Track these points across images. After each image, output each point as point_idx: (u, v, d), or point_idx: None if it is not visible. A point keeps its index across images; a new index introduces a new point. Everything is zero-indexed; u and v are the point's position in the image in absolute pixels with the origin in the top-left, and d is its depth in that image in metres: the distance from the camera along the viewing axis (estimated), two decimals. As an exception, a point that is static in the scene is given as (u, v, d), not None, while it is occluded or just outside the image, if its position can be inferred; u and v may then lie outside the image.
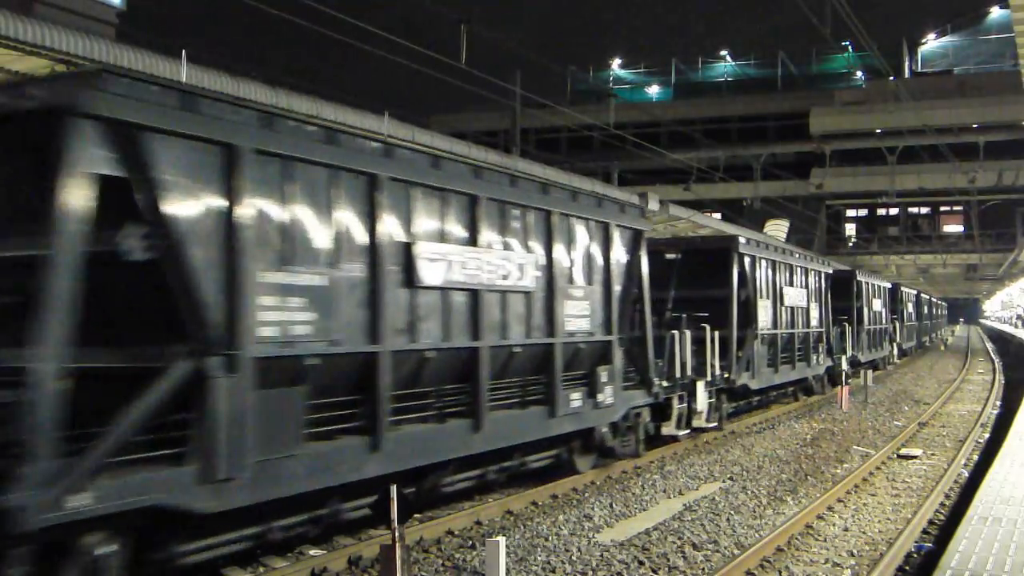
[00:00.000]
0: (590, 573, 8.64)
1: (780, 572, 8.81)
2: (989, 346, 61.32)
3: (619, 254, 13.28)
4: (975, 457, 15.58)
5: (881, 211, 71.16)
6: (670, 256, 18.45)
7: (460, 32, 21.37)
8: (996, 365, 40.49)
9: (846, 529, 10.51)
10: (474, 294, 10.03)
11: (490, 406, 10.27)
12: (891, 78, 58.54)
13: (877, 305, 34.05)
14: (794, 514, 10.80)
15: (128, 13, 38.13)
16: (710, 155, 60.62)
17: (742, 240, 19.31)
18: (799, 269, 22.91)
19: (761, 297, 19.73)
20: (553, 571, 8.69)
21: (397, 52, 19.19)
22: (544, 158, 36.07)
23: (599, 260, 12.79)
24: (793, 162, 68.07)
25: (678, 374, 15.15)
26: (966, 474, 13.94)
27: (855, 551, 9.59)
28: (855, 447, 16.55)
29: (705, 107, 73.52)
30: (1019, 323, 72.76)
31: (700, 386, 15.82)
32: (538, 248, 11.36)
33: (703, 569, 8.79)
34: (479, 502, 11.13)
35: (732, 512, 11.15)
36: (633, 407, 13.74)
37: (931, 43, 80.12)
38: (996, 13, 72.46)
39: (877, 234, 69.68)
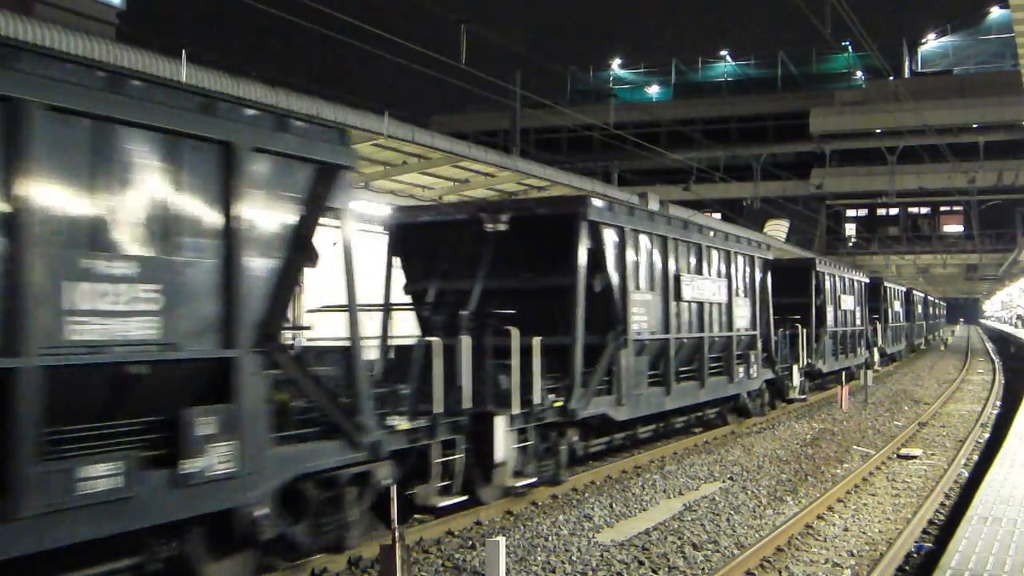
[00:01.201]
0: (590, 573, 8.64)
1: (780, 572, 8.81)
2: (989, 346, 61.34)
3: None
4: (975, 457, 15.58)
5: (881, 211, 71.24)
6: (490, 228, 12.33)
7: (460, 32, 21.38)
8: (996, 365, 40.49)
9: (846, 529, 10.51)
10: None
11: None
12: (891, 78, 58.52)
13: (848, 303, 29.37)
14: (794, 514, 10.80)
15: (128, 13, 38.09)
16: (710, 155, 60.69)
17: (596, 204, 12.77)
18: (715, 252, 17.01)
19: (633, 289, 13.64)
20: (553, 571, 8.69)
21: (397, 52, 19.24)
22: (544, 158, 36.09)
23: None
24: (793, 162, 68.13)
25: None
26: (966, 474, 13.94)
27: (855, 551, 9.59)
28: (855, 447, 16.55)
29: (705, 107, 73.56)
30: (1019, 323, 72.76)
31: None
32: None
33: (703, 569, 8.79)
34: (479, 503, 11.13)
35: (732, 512, 11.16)
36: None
37: (931, 43, 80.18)
38: (996, 13, 72.49)
39: (877, 234, 69.73)
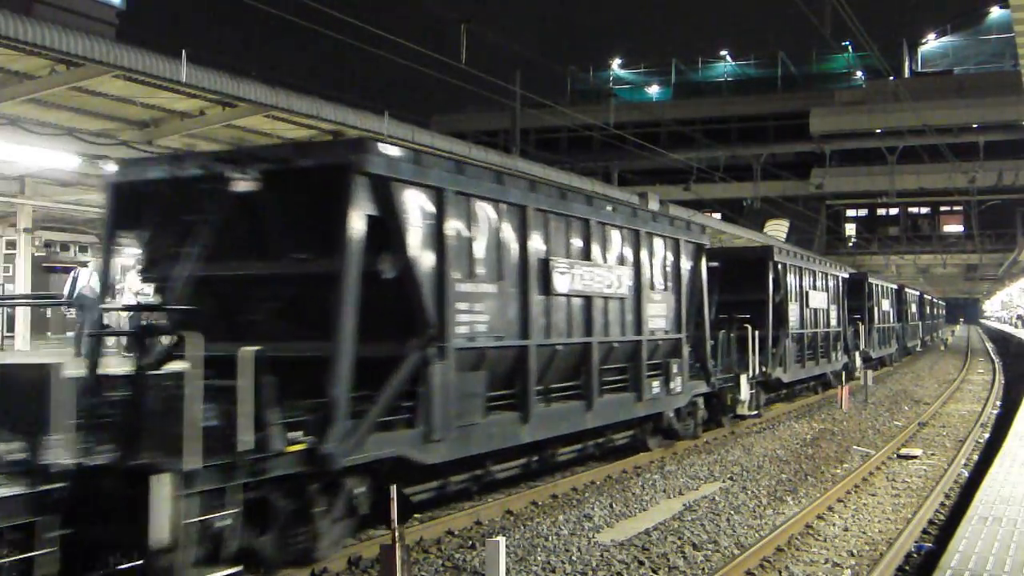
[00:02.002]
0: (590, 573, 8.64)
1: (780, 572, 8.81)
2: (989, 346, 61.33)
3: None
4: (975, 457, 15.58)
5: (881, 211, 71.25)
6: (230, 186, 8.81)
7: (460, 32, 21.39)
8: (996, 365, 40.48)
9: (846, 529, 10.50)
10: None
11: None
12: (891, 78, 58.61)
13: (819, 300, 24.87)
14: (794, 514, 10.79)
15: (128, 13, 38.15)
16: (710, 155, 60.67)
17: (384, 152, 8.92)
18: (614, 231, 13.16)
19: (461, 277, 9.84)
20: (553, 571, 8.68)
21: (397, 52, 19.24)
22: (544, 158, 36.09)
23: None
24: (793, 162, 68.12)
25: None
26: (966, 474, 13.94)
27: (855, 551, 9.59)
28: (855, 447, 16.55)
29: (705, 107, 73.55)
30: (1019, 323, 72.74)
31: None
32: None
33: (703, 569, 8.79)
34: (479, 502, 11.12)
35: (732, 512, 11.15)
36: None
37: (931, 43, 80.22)
38: (996, 13, 72.53)
39: (877, 234, 69.73)
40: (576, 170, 34.37)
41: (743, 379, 17.74)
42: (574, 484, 12.45)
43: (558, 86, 77.72)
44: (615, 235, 13.15)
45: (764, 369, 19.43)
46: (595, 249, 12.50)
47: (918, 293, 55.11)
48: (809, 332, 23.46)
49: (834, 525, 10.67)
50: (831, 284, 26.36)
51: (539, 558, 9.03)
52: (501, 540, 7.79)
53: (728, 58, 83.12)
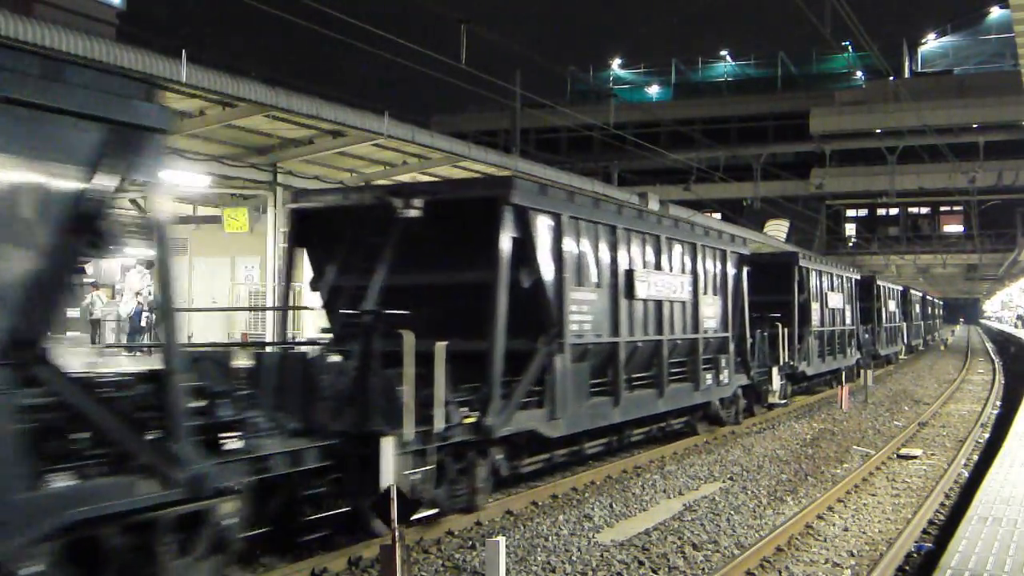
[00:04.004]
0: (590, 573, 8.64)
1: (780, 572, 8.81)
2: (989, 346, 61.33)
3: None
4: (975, 457, 15.58)
5: (881, 211, 71.21)
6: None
7: (460, 32, 21.38)
8: (996, 365, 40.49)
9: (846, 529, 10.51)
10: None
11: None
12: (891, 78, 58.54)
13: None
14: (794, 514, 10.79)
15: (128, 13, 38.12)
16: (710, 155, 60.66)
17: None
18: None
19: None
20: (553, 571, 8.69)
21: (397, 52, 19.23)
22: (544, 158, 36.09)
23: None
24: (793, 162, 68.11)
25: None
26: (966, 474, 13.94)
27: (855, 551, 9.59)
28: (855, 447, 16.55)
29: (705, 107, 73.49)
30: (1019, 323, 72.74)
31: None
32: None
33: (703, 569, 8.79)
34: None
35: (732, 512, 11.15)
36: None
37: (931, 43, 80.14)
38: (996, 13, 72.44)
39: (877, 234, 69.71)
40: (576, 170, 34.35)
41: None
42: (574, 484, 12.45)
43: (558, 86, 77.79)
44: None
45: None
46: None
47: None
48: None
49: (834, 525, 10.67)
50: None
51: (539, 558, 9.03)
52: (501, 540, 7.79)
53: (728, 58, 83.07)
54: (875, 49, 27.98)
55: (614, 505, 11.49)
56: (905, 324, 45.25)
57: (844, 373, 26.35)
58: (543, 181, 17.43)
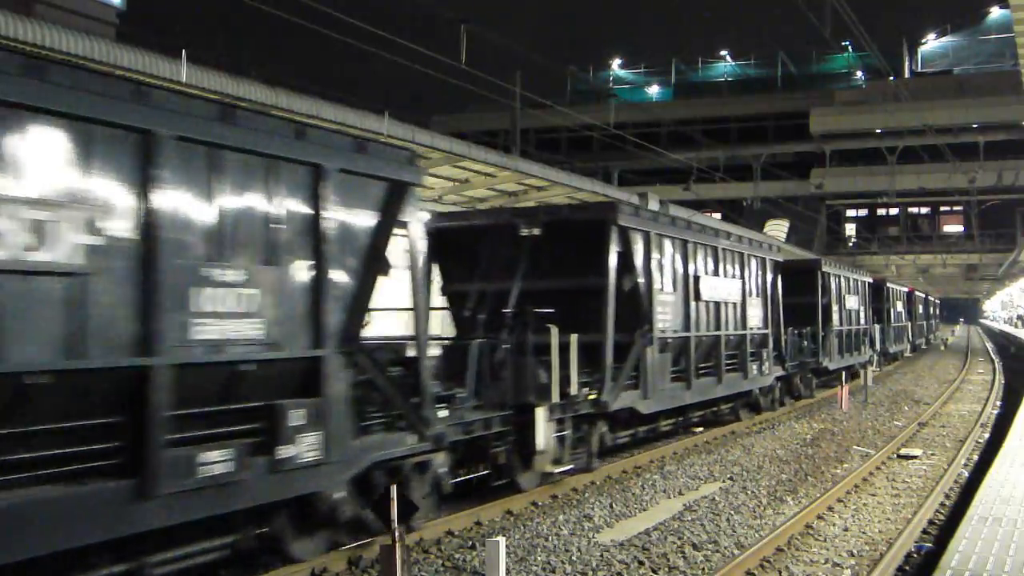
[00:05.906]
0: (590, 573, 8.64)
1: (780, 572, 8.81)
2: (989, 346, 61.32)
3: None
4: (975, 457, 15.58)
5: (881, 211, 71.16)
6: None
7: (460, 32, 21.38)
8: (996, 365, 40.48)
9: (846, 529, 10.50)
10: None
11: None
12: (891, 78, 58.58)
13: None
14: (794, 514, 10.80)
15: (128, 13, 38.08)
16: (710, 155, 60.61)
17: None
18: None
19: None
20: (553, 571, 8.69)
21: (397, 52, 19.23)
22: (544, 158, 36.06)
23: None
24: (793, 162, 68.08)
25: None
26: (966, 474, 13.94)
27: (855, 551, 9.59)
28: (855, 447, 16.55)
29: (705, 107, 73.48)
30: (1019, 323, 72.72)
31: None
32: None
33: (703, 569, 8.79)
34: (479, 503, 11.13)
35: (732, 512, 11.15)
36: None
37: (931, 43, 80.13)
38: (996, 13, 72.42)
39: (877, 234, 69.68)
40: (576, 170, 34.32)
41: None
42: (574, 484, 12.45)
43: (558, 86, 77.77)
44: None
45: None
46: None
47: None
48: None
49: (834, 525, 10.67)
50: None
51: (539, 558, 9.03)
52: (501, 540, 7.80)
53: (728, 58, 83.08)
54: (875, 49, 28.00)
55: (614, 505, 11.49)
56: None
57: (844, 373, 26.47)
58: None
